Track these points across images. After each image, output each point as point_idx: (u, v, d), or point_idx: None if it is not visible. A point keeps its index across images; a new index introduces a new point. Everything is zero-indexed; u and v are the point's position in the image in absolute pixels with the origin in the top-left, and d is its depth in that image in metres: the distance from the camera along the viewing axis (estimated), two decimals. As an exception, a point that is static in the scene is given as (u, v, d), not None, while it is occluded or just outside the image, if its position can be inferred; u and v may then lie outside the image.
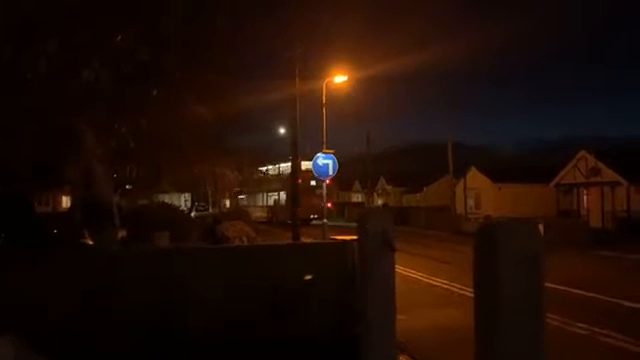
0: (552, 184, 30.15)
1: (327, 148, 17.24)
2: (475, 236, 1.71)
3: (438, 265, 15.10)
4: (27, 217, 9.94)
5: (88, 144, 7.17)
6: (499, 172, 35.19)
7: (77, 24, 5.96)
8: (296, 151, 16.27)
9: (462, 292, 10.35)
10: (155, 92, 8.13)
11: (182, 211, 20.05)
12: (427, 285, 11.76)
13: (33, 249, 6.87)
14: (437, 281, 12.01)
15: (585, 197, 28.55)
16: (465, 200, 35.13)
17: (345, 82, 20.26)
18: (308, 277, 4.96)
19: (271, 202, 41.66)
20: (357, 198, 61.76)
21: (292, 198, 15.47)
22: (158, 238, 8.42)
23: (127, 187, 17.93)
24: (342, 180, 55.21)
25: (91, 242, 9.22)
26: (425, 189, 47.81)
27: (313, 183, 33.46)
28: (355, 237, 5.95)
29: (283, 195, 39.38)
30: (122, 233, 11.68)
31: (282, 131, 32.91)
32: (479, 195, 36.47)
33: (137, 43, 6.94)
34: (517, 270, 1.51)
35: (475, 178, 35.99)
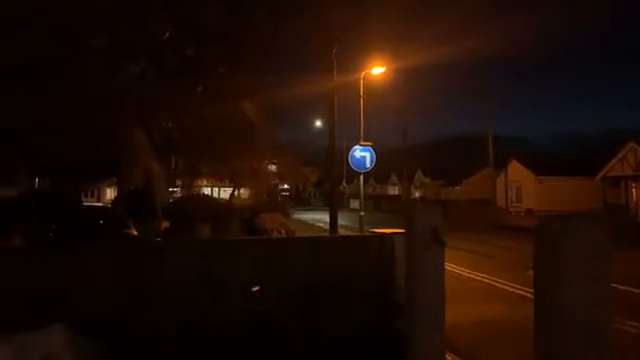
0: (598, 177, 29.02)
1: (364, 140, 17.13)
2: (536, 232, 1.63)
3: (479, 259, 14.80)
4: (75, 209, 10.35)
5: (140, 141, 7.41)
6: (541, 165, 34.14)
7: (124, 21, 6.10)
8: (333, 144, 16.21)
9: (504, 287, 10.11)
10: (200, 88, 8.25)
11: (222, 202, 20.39)
12: (468, 279, 11.54)
13: (81, 240, 7.15)
14: (479, 276, 11.77)
15: (634, 190, 27.35)
16: (506, 193, 34.27)
17: (383, 74, 20.07)
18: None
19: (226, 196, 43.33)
20: (394, 191, 61.28)
21: (330, 191, 15.41)
22: (199, 229, 8.58)
23: (171, 181, 18.40)
24: (378, 173, 54.85)
25: (135, 233, 9.53)
26: (464, 182, 46.92)
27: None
28: (394, 231, 5.90)
29: (243, 191, 42.15)
30: (165, 224, 12.00)
31: (318, 124, 33.02)
32: (520, 188, 35.52)
33: (182, 38, 7.04)
34: (582, 270, 1.43)
35: (516, 171, 35.04)
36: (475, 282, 11.20)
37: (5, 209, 8.43)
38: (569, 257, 1.48)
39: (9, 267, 4.47)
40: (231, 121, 10.01)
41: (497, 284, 10.59)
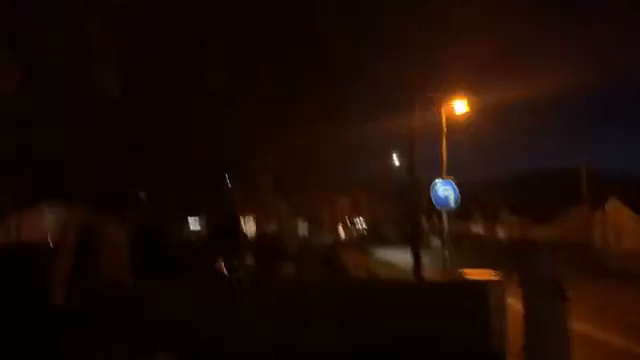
0: None
1: (446, 174, 16.60)
2: None
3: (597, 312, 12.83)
4: (164, 245, 10.87)
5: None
6: (643, 203, 31.29)
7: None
8: (413, 180, 15.97)
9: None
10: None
11: (301, 238, 20.63)
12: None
13: (175, 277, 7.47)
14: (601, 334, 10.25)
15: None
16: (605, 234, 31.69)
17: (465, 107, 19.54)
18: None
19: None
20: (477, 229, 58.82)
21: (412, 231, 15.07)
22: (285, 268, 8.69)
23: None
24: (460, 209, 53.01)
25: (225, 269, 9.80)
26: (555, 221, 44.03)
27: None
28: (486, 275, 5.56)
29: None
30: (250, 260, 12.27)
31: (396, 161, 32.38)
32: (619, 229, 32.71)
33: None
34: None
35: (614, 209, 32.39)
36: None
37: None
38: None
39: (114, 301, 4.74)
40: (311, 156, 10.20)
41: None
